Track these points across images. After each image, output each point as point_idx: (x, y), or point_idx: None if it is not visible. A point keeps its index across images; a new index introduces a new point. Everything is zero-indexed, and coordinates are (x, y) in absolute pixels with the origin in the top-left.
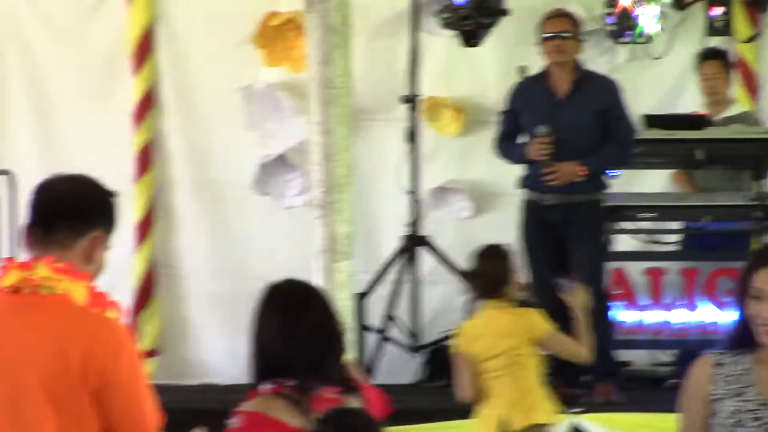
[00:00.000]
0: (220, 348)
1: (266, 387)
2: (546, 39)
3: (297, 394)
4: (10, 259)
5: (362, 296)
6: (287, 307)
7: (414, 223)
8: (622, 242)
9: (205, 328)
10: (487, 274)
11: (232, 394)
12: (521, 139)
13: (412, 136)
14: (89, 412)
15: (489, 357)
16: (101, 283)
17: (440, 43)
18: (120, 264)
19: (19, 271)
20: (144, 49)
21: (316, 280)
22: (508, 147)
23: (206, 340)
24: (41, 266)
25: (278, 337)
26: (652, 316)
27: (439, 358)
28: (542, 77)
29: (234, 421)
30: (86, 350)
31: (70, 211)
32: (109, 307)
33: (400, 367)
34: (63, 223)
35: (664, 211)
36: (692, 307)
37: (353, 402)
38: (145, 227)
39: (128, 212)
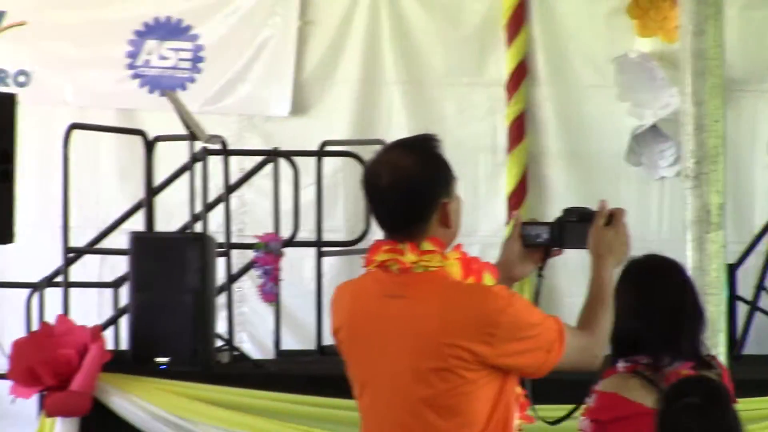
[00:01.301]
0: None
1: (621, 365)
2: None
3: (651, 371)
4: (380, 241)
5: (733, 267)
6: (643, 282)
7: None
8: None
9: (576, 297)
10: None
11: None
12: None
13: None
14: (474, 391)
15: None
16: (474, 254)
17: None
18: (492, 235)
19: (388, 253)
20: (517, 20)
21: (688, 250)
22: None
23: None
24: (408, 252)
25: (633, 313)
26: None
27: None
28: None
29: (591, 400)
30: (467, 323)
31: (405, 210)
32: (484, 270)
33: None
34: (404, 221)
35: None
36: None
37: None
38: (517, 198)
39: (502, 183)
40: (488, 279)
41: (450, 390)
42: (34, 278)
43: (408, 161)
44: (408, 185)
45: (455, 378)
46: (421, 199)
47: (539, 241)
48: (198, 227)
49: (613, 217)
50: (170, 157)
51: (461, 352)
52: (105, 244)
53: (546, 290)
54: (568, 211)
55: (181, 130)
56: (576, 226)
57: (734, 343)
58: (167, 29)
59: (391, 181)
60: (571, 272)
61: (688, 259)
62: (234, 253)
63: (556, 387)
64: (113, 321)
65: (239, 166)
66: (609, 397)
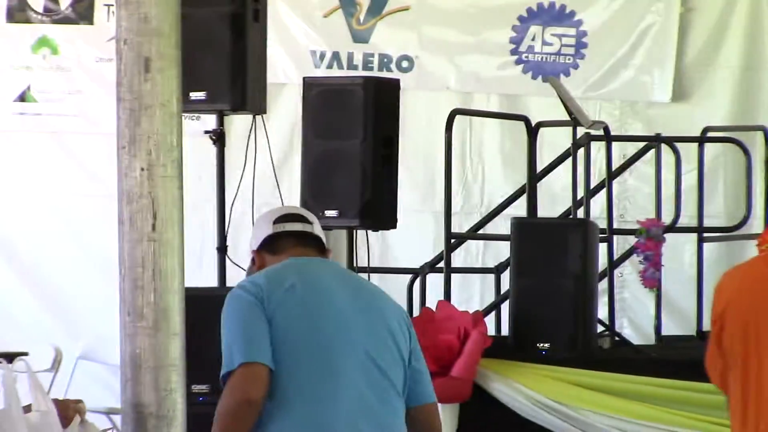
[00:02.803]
0: None
1: None
2: None
3: None
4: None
5: None
6: None
7: None
8: None
9: None
10: None
11: None
12: None
13: None
14: None
15: None
16: None
17: None
18: None
19: None
20: None
21: None
22: None
23: None
24: None
25: None
26: None
27: None
28: None
29: None
30: None
31: None
32: None
33: None
34: None
35: None
36: None
37: None
38: None
39: None
40: None
41: None
42: (416, 263)
43: None
44: None
45: None
46: None
47: None
48: (580, 213)
49: None
50: (554, 142)
51: None
52: (488, 229)
53: None
54: None
55: (564, 116)
56: None
57: None
58: (551, 15)
59: None
60: None
61: None
62: (615, 238)
63: None
64: (495, 306)
65: (621, 151)
66: None
